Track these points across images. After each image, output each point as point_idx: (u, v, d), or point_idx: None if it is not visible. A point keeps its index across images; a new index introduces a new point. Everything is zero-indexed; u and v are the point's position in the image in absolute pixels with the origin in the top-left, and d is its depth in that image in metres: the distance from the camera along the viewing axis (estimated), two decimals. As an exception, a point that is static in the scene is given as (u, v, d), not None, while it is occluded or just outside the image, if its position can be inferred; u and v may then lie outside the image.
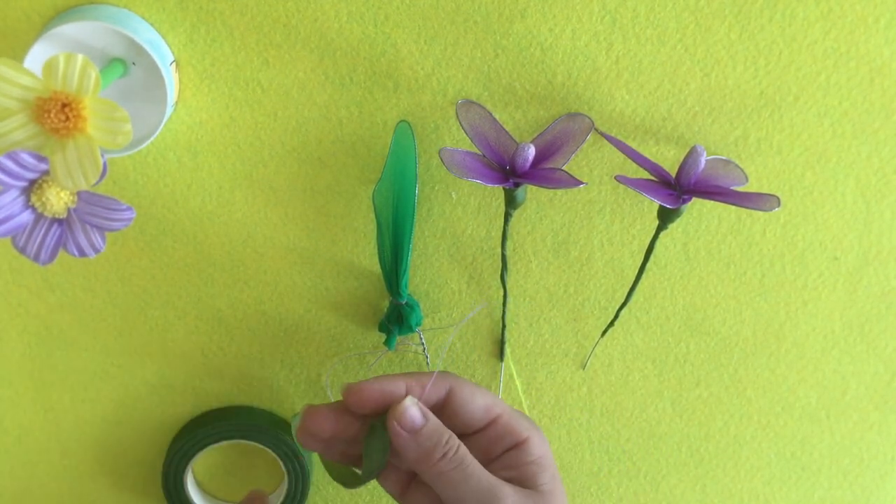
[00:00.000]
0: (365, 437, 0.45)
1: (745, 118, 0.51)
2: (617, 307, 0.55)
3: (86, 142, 0.41)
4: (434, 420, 0.44)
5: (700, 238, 0.54)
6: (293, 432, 0.47)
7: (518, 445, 0.46)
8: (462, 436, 0.45)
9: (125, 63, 0.46)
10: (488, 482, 0.43)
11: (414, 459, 0.43)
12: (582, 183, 0.46)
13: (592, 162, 0.52)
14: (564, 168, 0.49)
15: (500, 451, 0.46)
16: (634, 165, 0.51)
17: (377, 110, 0.50)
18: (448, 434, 0.44)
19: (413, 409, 0.43)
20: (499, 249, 0.54)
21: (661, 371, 0.58)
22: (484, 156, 0.49)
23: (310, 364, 0.58)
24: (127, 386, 0.58)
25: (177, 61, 0.49)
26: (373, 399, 0.44)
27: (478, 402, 0.45)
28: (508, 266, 0.54)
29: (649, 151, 0.51)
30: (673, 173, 0.49)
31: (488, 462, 0.46)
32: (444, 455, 0.43)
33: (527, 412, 0.59)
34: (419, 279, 0.55)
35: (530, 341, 0.57)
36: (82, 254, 0.43)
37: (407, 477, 0.47)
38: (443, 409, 0.45)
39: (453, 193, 0.53)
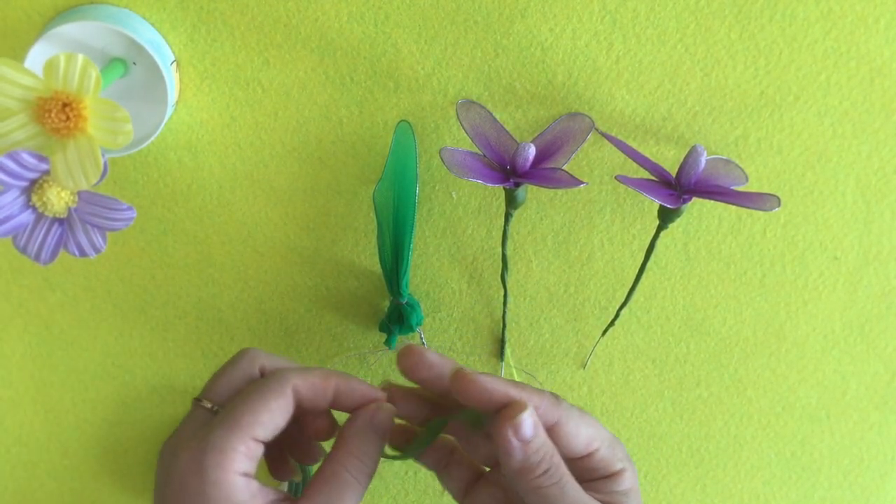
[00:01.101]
0: (431, 422, 0.45)
1: (745, 118, 0.51)
2: (617, 307, 0.55)
3: (86, 142, 0.41)
4: (543, 434, 0.44)
5: (700, 238, 0.54)
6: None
7: (609, 476, 0.46)
8: None
9: (126, 63, 0.46)
10: (584, 502, 0.44)
11: (516, 469, 0.43)
12: (582, 183, 0.46)
13: (592, 162, 0.52)
14: (565, 168, 0.49)
15: (590, 478, 0.46)
16: (635, 165, 0.51)
17: (377, 110, 0.50)
18: (553, 450, 0.44)
19: (529, 421, 0.43)
20: (499, 249, 0.54)
21: (661, 371, 0.58)
22: (484, 156, 0.49)
23: (310, 364, 0.57)
24: (127, 386, 0.58)
25: (177, 61, 0.49)
26: (479, 396, 0.43)
27: (581, 437, 0.45)
28: (509, 266, 0.54)
29: (649, 151, 0.51)
30: (673, 173, 0.49)
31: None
32: (546, 471, 0.43)
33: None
34: (419, 279, 0.55)
35: (530, 341, 0.57)
36: (83, 254, 0.43)
37: (471, 476, 0.47)
38: None
39: (454, 193, 0.53)
